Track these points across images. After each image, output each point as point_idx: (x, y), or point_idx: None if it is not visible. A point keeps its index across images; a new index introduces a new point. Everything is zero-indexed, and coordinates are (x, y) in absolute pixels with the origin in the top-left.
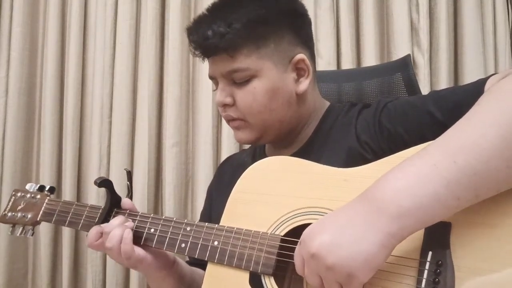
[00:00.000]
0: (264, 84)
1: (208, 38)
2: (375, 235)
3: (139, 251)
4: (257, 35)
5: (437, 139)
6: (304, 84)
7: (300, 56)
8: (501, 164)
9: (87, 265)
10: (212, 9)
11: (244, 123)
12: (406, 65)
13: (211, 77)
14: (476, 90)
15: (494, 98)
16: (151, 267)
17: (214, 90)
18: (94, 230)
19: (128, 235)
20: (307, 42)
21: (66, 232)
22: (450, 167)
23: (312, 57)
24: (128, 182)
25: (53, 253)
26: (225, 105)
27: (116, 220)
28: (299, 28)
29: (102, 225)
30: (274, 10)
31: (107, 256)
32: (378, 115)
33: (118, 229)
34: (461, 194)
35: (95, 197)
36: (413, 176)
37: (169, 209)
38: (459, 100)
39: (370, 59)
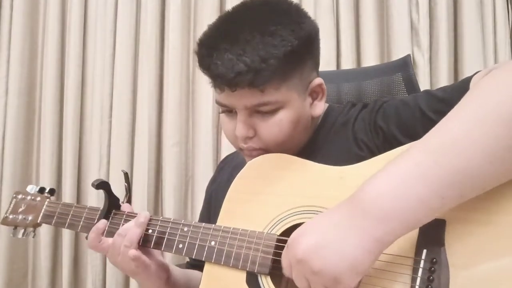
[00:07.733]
0: (290, 114)
1: (241, 73)
2: (360, 239)
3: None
4: (288, 68)
5: (420, 139)
6: (319, 107)
7: (318, 81)
8: (483, 161)
9: (87, 265)
10: (232, 39)
11: (263, 152)
12: (406, 65)
13: (225, 106)
14: (463, 87)
15: (474, 96)
16: (153, 272)
17: (220, 113)
18: (94, 233)
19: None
20: (319, 62)
21: (66, 232)
22: (432, 167)
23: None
24: (125, 184)
25: (53, 253)
26: (246, 138)
27: (131, 223)
28: (317, 52)
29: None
30: (302, 38)
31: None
32: (374, 115)
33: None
34: (445, 194)
35: (95, 197)
36: (395, 178)
37: (169, 209)
38: (448, 98)
39: (370, 59)
